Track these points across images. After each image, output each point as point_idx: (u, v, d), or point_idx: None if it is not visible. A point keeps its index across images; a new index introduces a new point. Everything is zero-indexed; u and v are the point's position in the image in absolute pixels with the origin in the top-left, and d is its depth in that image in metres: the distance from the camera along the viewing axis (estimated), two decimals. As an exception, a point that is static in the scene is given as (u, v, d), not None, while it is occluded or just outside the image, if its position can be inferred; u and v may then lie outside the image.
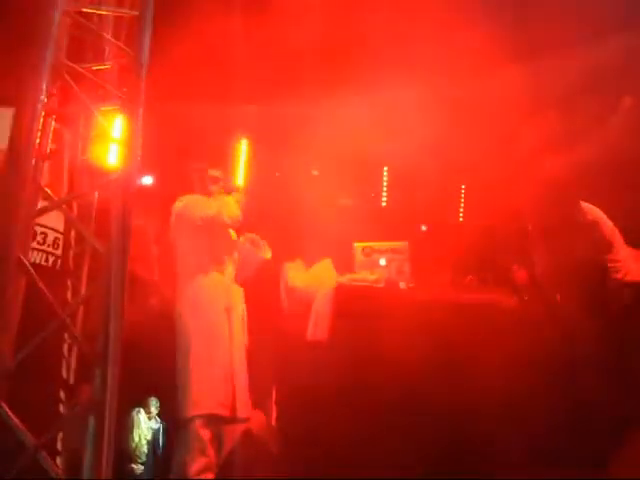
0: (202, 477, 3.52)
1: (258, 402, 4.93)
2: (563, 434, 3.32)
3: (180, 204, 4.04)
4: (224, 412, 3.66)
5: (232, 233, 4.13)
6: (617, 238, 4.27)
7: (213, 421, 3.64)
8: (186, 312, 3.79)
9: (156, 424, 5.23)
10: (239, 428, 4.29)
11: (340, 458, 3.63)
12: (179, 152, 5.31)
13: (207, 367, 3.67)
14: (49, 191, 2.69)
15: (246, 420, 3.82)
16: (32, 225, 2.69)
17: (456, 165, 6.29)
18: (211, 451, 3.60)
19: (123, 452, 4.86)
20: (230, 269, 4.03)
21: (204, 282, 3.85)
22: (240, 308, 3.99)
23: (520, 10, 4.47)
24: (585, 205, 4.18)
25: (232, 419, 3.72)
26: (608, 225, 4.28)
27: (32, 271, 2.50)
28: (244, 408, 3.77)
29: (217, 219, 3.92)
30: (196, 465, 3.53)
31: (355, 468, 3.53)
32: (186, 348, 3.70)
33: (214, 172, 4.25)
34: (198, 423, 3.59)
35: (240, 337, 3.90)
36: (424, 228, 6.41)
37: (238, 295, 4.03)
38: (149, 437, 5.18)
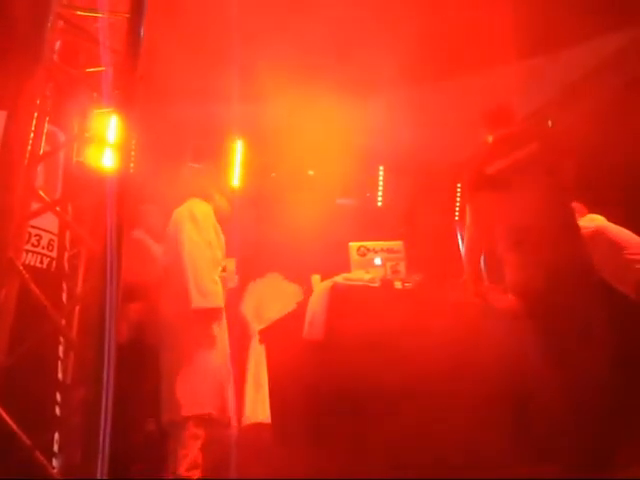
0: (191, 475, 3.57)
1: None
2: (566, 434, 3.29)
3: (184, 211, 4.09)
4: (218, 415, 3.75)
5: (219, 235, 4.16)
6: (631, 238, 4.26)
7: (207, 422, 3.71)
8: (179, 318, 3.85)
9: None
10: (235, 429, 4.35)
11: (339, 457, 3.63)
12: (174, 153, 5.33)
13: (204, 371, 3.76)
14: (42, 193, 2.70)
15: (236, 426, 3.89)
16: (25, 227, 2.70)
17: (452, 163, 6.31)
18: (200, 451, 3.66)
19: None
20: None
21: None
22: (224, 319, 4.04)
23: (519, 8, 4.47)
24: (588, 216, 4.14)
25: (225, 422, 3.81)
26: (614, 230, 4.27)
27: (24, 273, 2.51)
28: (233, 413, 3.88)
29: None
30: (186, 463, 3.58)
31: (355, 468, 3.54)
32: (193, 345, 3.79)
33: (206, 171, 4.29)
34: (193, 423, 3.65)
35: (226, 346, 4.00)
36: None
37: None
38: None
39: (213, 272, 3.95)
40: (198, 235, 3.97)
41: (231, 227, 4.29)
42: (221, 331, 3.96)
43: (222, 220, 4.22)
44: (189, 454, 3.60)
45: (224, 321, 4.02)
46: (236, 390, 5.00)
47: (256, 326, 5.29)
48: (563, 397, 3.14)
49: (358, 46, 4.56)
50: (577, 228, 3.60)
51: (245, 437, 4.76)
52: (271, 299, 5.43)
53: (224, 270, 4.14)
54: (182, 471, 3.56)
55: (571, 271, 3.27)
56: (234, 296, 4.74)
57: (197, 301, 3.80)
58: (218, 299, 3.90)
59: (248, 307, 5.36)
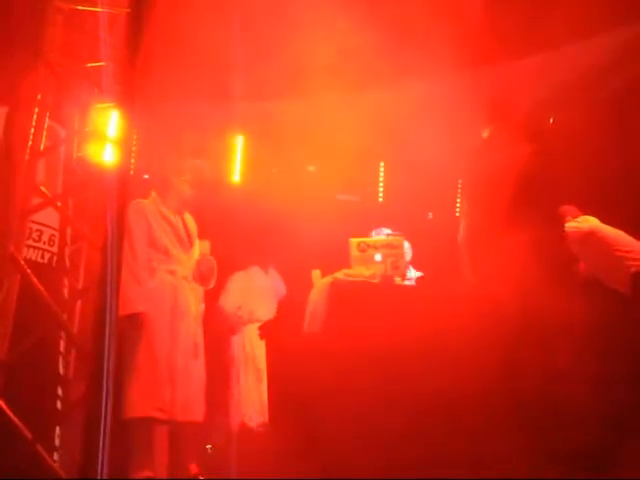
0: (140, 476, 3.51)
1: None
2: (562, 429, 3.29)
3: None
4: (160, 415, 3.58)
5: (191, 224, 4.05)
6: (622, 237, 4.27)
7: (149, 424, 3.59)
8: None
9: None
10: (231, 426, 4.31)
11: (336, 454, 3.64)
12: (175, 149, 5.33)
13: (144, 370, 3.61)
14: (43, 188, 2.71)
15: (196, 424, 3.76)
16: (26, 222, 2.71)
17: (453, 160, 6.31)
18: (149, 452, 3.57)
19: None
20: (183, 268, 3.90)
21: (149, 284, 3.71)
22: (193, 308, 3.88)
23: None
24: (581, 217, 4.14)
25: (171, 422, 3.64)
26: (606, 230, 4.28)
27: (26, 268, 2.52)
28: (189, 411, 3.70)
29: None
30: (134, 465, 3.54)
31: (352, 463, 3.55)
32: (127, 350, 3.62)
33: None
34: (134, 425, 3.57)
35: (189, 338, 3.81)
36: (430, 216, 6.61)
37: (192, 294, 3.91)
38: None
39: (144, 273, 3.69)
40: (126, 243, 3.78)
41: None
42: (181, 323, 3.78)
43: (188, 205, 4.05)
44: (134, 458, 3.53)
45: (190, 311, 3.83)
46: (228, 388, 5.01)
47: (244, 322, 5.24)
48: (555, 392, 3.17)
49: (358, 42, 4.56)
50: (562, 229, 3.69)
51: (244, 436, 4.75)
52: (256, 296, 5.36)
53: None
54: (130, 472, 3.51)
55: (553, 266, 3.35)
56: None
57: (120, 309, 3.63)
58: (133, 305, 3.58)
59: (230, 301, 5.28)
